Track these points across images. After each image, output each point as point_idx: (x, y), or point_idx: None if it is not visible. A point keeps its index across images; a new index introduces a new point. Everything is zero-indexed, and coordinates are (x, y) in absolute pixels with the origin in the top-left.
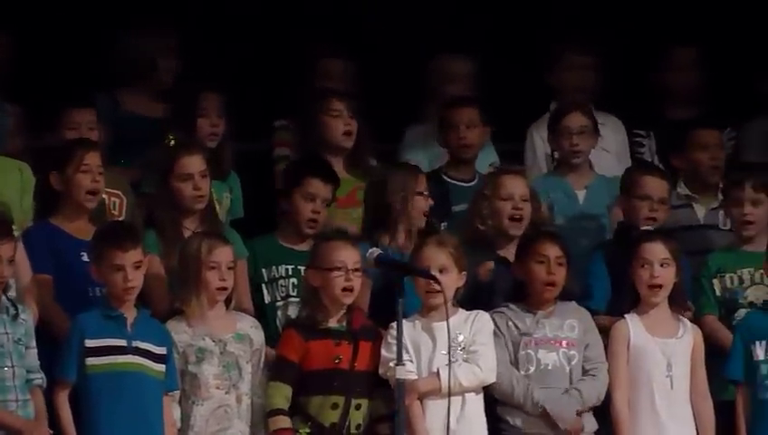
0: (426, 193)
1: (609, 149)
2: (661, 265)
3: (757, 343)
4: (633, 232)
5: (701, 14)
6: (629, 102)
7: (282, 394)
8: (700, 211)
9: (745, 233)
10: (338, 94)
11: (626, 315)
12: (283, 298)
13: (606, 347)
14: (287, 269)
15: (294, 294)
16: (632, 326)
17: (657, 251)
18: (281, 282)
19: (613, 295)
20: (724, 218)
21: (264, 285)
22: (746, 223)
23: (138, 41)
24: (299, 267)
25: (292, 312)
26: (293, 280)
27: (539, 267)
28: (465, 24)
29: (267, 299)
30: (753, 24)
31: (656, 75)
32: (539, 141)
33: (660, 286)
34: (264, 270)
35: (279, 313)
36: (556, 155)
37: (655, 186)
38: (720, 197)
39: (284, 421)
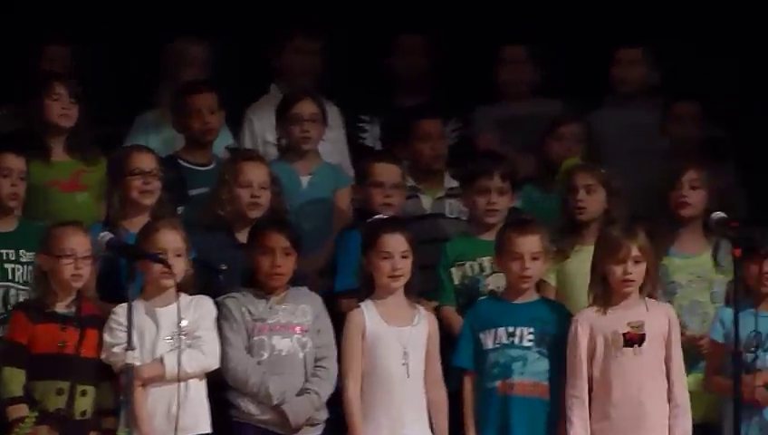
0: (141, 172)
1: (326, 138)
2: (402, 257)
3: (486, 331)
4: (369, 221)
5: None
6: (355, 87)
7: (18, 380)
8: (426, 201)
9: (490, 221)
10: (59, 78)
11: (361, 304)
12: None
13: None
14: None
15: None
16: (368, 314)
17: (397, 244)
18: None
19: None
20: (450, 207)
21: None
22: (492, 211)
23: None
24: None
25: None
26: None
27: (263, 259)
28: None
29: None
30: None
31: (384, 61)
32: (257, 125)
33: (401, 276)
34: None
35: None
36: (283, 142)
37: (386, 172)
38: (446, 186)
39: (24, 410)
